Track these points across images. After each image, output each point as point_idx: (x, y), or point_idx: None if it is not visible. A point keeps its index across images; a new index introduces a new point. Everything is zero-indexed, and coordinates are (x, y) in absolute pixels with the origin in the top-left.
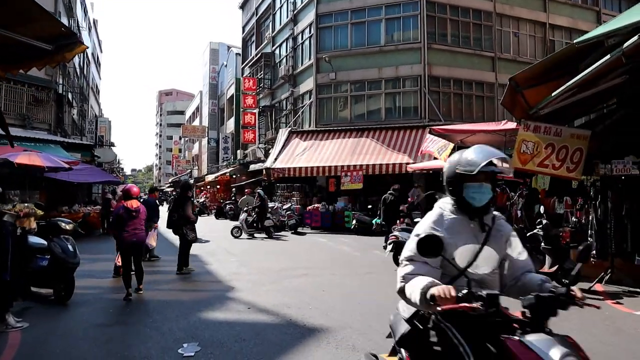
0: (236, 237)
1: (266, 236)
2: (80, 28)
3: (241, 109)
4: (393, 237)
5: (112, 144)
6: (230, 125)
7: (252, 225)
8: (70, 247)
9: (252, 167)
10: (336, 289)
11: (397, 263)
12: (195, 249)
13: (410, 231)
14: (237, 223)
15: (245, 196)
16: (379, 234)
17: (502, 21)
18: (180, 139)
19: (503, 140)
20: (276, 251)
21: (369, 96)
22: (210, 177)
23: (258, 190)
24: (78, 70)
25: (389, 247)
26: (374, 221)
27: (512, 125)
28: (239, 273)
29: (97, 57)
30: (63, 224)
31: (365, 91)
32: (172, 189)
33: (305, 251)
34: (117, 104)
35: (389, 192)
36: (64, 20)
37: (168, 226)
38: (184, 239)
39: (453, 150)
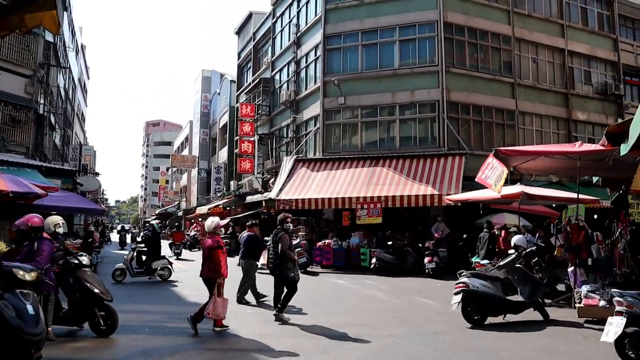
0: (118, 282)
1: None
2: (67, 48)
3: (237, 137)
4: (461, 285)
5: (97, 174)
6: (222, 155)
7: (142, 265)
8: (29, 308)
9: (250, 198)
10: None
11: (467, 317)
12: (191, 294)
13: (481, 277)
14: (119, 265)
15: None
16: (402, 274)
17: (520, 46)
18: (167, 170)
19: (576, 165)
20: (299, 298)
21: (382, 122)
22: (201, 209)
23: (152, 222)
24: (62, 93)
25: (457, 298)
26: (473, 259)
27: (589, 147)
28: (268, 334)
29: (84, 84)
30: (21, 272)
31: (377, 117)
32: (158, 221)
33: (334, 299)
34: (102, 133)
35: (485, 230)
36: (49, 37)
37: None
38: (285, 279)
39: (506, 181)
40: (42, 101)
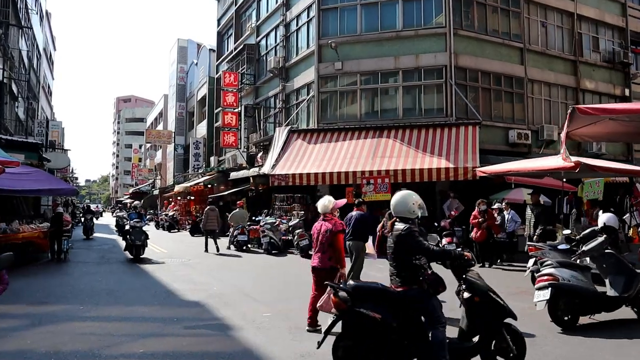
0: None
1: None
2: (30, 11)
3: (219, 109)
4: (547, 277)
5: (66, 150)
6: (201, 129)
7: None
8: None
9: (234, 175)
10: None
11: (556, 318)
12: (184, 288)
13: (570, 266)
14: None
15: (237, 209)
16: None
17: (529, 8)
18: (140, 147)
19: None
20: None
21: (384, 89)
22: (180, 187)
23: None
24: (26, 60)
25: (543, 294)
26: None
27: None
28: (315, 354)
29: (50, 54)
30: None
31: (378, 84)
32: (131, 200)
33: None
34: (70, 109)
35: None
36: None
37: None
38: None
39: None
40: (0, 65)
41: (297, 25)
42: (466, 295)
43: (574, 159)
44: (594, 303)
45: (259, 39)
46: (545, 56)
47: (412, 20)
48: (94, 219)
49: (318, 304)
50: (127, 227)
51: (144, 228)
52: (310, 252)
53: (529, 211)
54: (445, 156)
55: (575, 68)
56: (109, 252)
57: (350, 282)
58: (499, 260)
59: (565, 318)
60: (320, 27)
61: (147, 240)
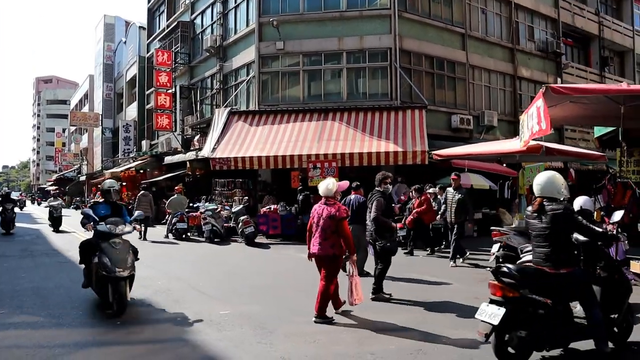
0: None
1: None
2: None
3: (152, 89)
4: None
5: None
6: (131, 112)
7: None
8: None
9: (169, 159)
10: None
11: None
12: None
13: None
14: None
15: (175, 195)
16: None
17: None
18: (64, 130)
19: (614, 113)
20: (288, 286)
21: (327, 71)
22: (109, 173)
23: None
24: None
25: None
26: None
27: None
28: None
29: None
30: None
31: (321, 65)
32: (55, 187)
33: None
34: None
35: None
36: None
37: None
38: (382, 250)
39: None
40: None
41: (235, 2)
42: (604, 274)
43: (534, 143)
44: None
45: (193, 16)
46: (485, 43)
47: (356, 1)
48: (16, 209)
49: (350, 300)
50: (88, 235)
51: (128, 237)
52: (255, 240)
53: (449, 195)
54: (393, 140)
55: (513, 56)
56: (32, 243)
57: (510, 265)
58: (441, 247)
59: None
60: (261, 5)
61: (136, 257)
